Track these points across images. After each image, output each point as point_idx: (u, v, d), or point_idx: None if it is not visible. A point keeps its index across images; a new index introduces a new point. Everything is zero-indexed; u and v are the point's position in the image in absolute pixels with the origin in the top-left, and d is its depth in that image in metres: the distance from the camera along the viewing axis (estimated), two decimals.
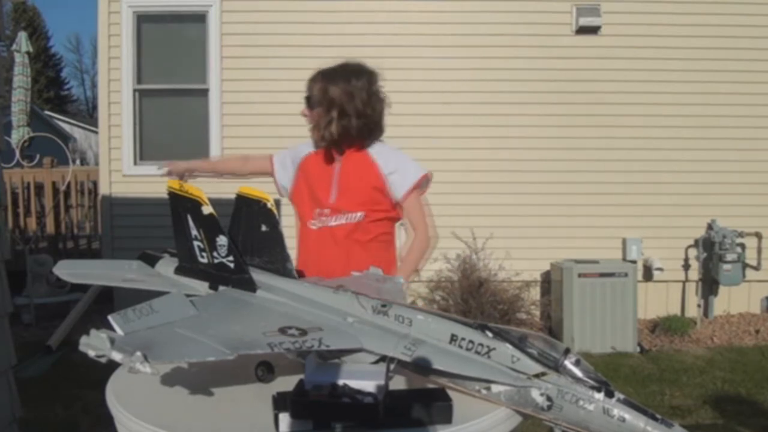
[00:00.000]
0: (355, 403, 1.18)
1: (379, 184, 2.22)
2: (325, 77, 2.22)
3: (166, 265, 1.72)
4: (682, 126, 6.25)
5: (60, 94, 39.24)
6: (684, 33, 6.23)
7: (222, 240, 1.55)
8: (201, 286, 1.61)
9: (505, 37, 6.23)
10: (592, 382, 1.18)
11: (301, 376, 1.28)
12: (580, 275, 5.44)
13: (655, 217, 6.24)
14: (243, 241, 1.58)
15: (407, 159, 2.28)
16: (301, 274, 1.64)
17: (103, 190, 6.39)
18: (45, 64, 35.99)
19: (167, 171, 2.31)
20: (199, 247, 1.60)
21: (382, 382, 1.23)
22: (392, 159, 2.24)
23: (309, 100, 2.23)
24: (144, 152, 6.35)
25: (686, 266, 6.30)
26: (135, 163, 6.31)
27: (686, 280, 6.34)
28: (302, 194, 2.29)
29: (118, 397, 1.36)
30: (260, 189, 1.58)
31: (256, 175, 2.44)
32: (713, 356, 5.23)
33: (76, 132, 25.00)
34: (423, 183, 2.27)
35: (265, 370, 1.42)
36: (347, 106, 2.18)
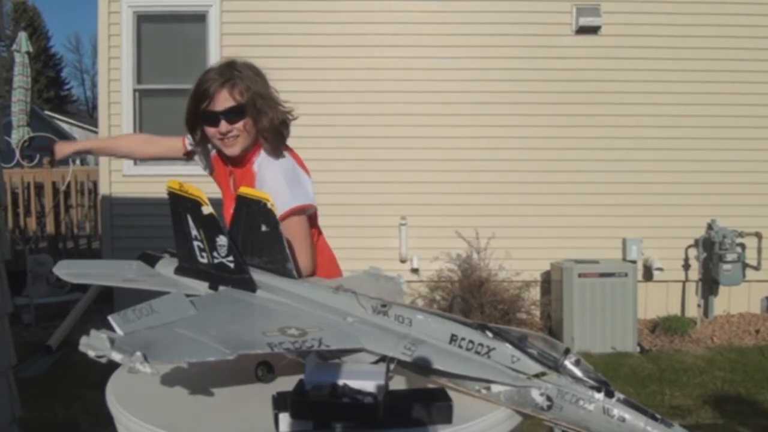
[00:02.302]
0: (355, 403, 1.18)
1: None
2: (236, 77, 1.92)
3: (166, 265, 1.72)
4: (682, 126, 6.25)
5: (60, 94, 39.28)
6: (684, 33, 6.24)
7: (222, 240, 1.55)
8: (201, 286, 1.61)
9: (505, 37, 6.24)
10: (592, 382, 1.18)
11: (301, 376, 1.28)
12: (580, 275, 5.44)
13: (655, 217, 6.24)
14: (243, 241, 1.58)
15: (288, 183, 1.91)
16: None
17: (103, 190, 6.39)
18: (45, 64, 36.02)
19: (49, 159, 2.09)
20: (199, 247, 1.60)
21: (382, 382, 1.23)
22: (269, 182, 1.88)
23: (232, 111, 1.89)
24: None
25: (686, 266, 6.30)
26: (135, 163, 6.30)
27: (686, 280, 6.34)
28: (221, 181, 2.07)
29: (118, 397, 1.36)
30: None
31: (161, 158, 2.19)
32: (713, 356, 5.23)
33: (76, 132, 25.00)
34: (299, 211, 1.90)
35: (265, 370, 1.42)
36: (268, 107, 1.94)
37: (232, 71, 1.94)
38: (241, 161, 2.00)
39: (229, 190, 2.04)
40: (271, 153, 1.95)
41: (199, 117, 1.95)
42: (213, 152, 2.13)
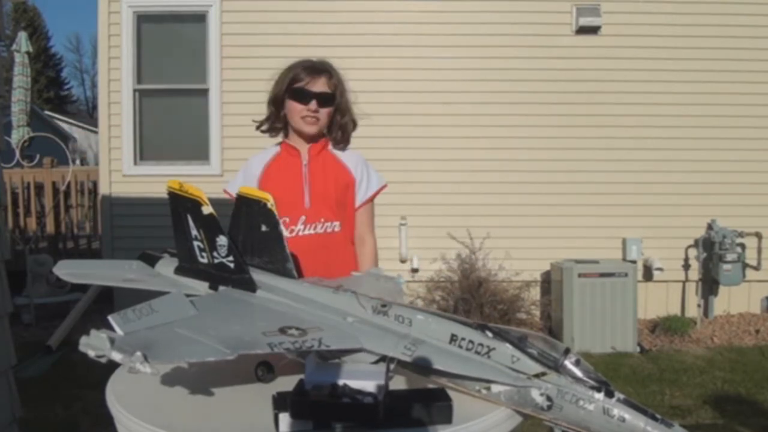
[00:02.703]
0: (355, 403, 1.18)
1: (351, 185, 2.18)
2: (333, 72, 2.16)
3: (166, 265, 1.72)
4: (682, 126, 6.25)
5: (60, 94, 39.26)
6: (684, 33, 6.24)
7: (222, 240, 1.55)
8: (201, 286, 1.61)
9: (505, 37, 6.24)
10: (592, 382, 1.18)
11: (301, 376, 1.28)
12: (580, 275, 5.44)
13: (655, 217, 6.24)
14: (243, 241, 1.58)
15: (371, 167, 2.25)
16: None
17: (103, 190, 6.39)
18: (45, 64, 36.01)
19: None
20: (199, 247, 1.60)
21: (382, 382, 1.23)
22: (360, 164, 2.21)
23: (325, 96, 2.12)
24: (144, 152, 6.35)
25: (686, 266, 6.30)
26: (135, 163, 6.31)
27: (686, 280, 6.34)
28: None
29: (118, 397, 1.36)
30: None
31: None
32: (713, 356, 5.23)
33: (76, 132, 25.03)
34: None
35: (265, 370, 1.42)
36: (348, 106, 2.18)
37: (330, 66, 2.19)
38: (314, 148, 2.19)
39: (300, 179, 2.15)
40: (340, 147, 2.22)
41: (289, 94, 2.13)
42: (266, 160, 2.21)
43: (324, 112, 2.13)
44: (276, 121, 2.22)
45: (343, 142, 2.21)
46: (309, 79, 2.12)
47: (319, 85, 2.12)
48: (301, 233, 2.09)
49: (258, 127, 2.28)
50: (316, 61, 2.19)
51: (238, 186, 2.14)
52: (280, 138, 2.26)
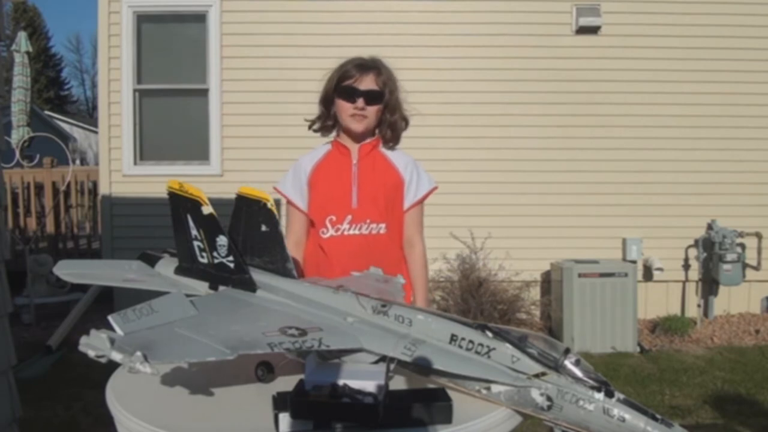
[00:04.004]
0: (355, 403, 1.18)
1: (400, 186, 2.16)
2: (382, 69, 2.15)
3: (166, 265, 1.72)
4: (682, 126, 6.25)
5: (60, 94, 39.27)
6: (684, 33, 6.24)
7: (222, 240, 1.55)
8: (201, 286, 1.61)
9: (505, 37, 6.24)
10: (592, 382, 1.18)
11: (301, 376, 1.28)
12: (580, 275, 5.44)
13: (655, 217, 6.24)
14: (243, 241, 1.58)
15: (421, 168, 2.23)
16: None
17: (103, 190, 6.39)
18: (45, 64, 36.01)
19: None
20: (199, 247, 1.60)
21: (382, 382, 1.23)
22: (410, 165, 2.19)
23: (373, 94, 2.11)
24: (144, 152, 6.35)
25: (686, 266, 6.30)
26: (135, 163, 6.31)
27: (686, 280, 6.34)
28: (317, 207, 2.15)
29: (118, 397, 1.36)
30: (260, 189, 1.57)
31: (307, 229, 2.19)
32: (713, 356, 5.23)
33: (76, 132, 25.02)
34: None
35: (265, 370, 1.42)
36: (398, 104, 2.17)
37: (380, 63, 2.17)
38: (364, 148, 2.17)
39: (349, 178, 2.14)
40: (390, 146, 2.20)
41: (337, 92, 2.12)
42: (317, 158, 2.20)
43: (372, 110, 2.12)
44: (327, 120, 2.20)
45: (392, 141, 2.20)
46: (357, 76, 2.12)
47: (367, 83, 2.12)
48: (346, 233, 2.09)
49: (310, 127, 2.27)
50: (366, 58, 2.18)
51: (288, 185, 2.21)
52: (331, 136, 2.25)
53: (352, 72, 2.12)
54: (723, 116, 6.26)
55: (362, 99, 2.10)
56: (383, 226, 2.11)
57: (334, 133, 2.24)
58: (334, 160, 2.18)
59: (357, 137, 2.17)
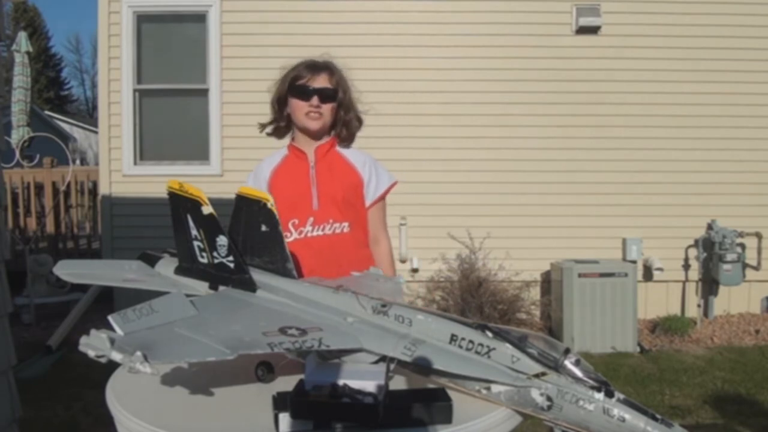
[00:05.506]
0: (355, 403, 1.18)
1: (359, 185, 2.17)
2: (334, 69, 2.17)
3: (166, 265, 1.72)
4: (682, 126, 6.25)
5: (60, 94, 39.26)
6: (684, 33, 6.24)
7: (222, 240, 1.55)
8: (201, 286, 1.61)
9: (505, 37, 6.24)
10: (592, 382, 1.18)
11: (301, 376, 1.28)
12: (580, 275, 5.44)
13: (655, 217, 6.24)
14: (243, 241, 1.58)
15: (380, 165, 2.24)
16: None
17: (103, 190, 6.39)
18: (45, 64, 36.01)
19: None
20: (199, 247, 1.60)
21: (382, 382, 1.23)
22: (368, 163, 2.20)
23: (327, 92, 2.12)
24: (144, 152, 6.35)
25: (686, 266, 6.30)
26: (135, 163, 6.31)
27: (686, 280, 6.34)
28: (279, 212, 2.18)
29: (118, 397, 1.36)
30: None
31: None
32: (713, 356, 5.23)
33: (76, 132, 25.02)
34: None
35: (265, 370, 1.42)
36: (352, 103, 2.18)
37: (331, 64, 2.19)
38: (320, 149, 2.19)
39: (308, 181, 2.14)
40: (345, 145, 2.22)
41: (291, 92, 2.14)
42: (275, 163, 2.21)
43: (327, 108, 2.14)
44: (280, 121, 2.22)
45: (348, 140, 2.21)
46: (310, 76, 2.13)
47: (321, 82, 2.13)
48: (309, 234, 2.10)
49: (262, 130, 2.27)
50: (317, 59, 2.20)
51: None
52: (287, 140, 2.25)
53: (304, 72, 2.14)
54: (723, 116, 6.26)
55: (317, 97, 2.12)
56: (346, 225, 2.12)
57: (288, 137, 2.24)
58: (291, 164, 2.19)
59: (313, 136, 2.18)
